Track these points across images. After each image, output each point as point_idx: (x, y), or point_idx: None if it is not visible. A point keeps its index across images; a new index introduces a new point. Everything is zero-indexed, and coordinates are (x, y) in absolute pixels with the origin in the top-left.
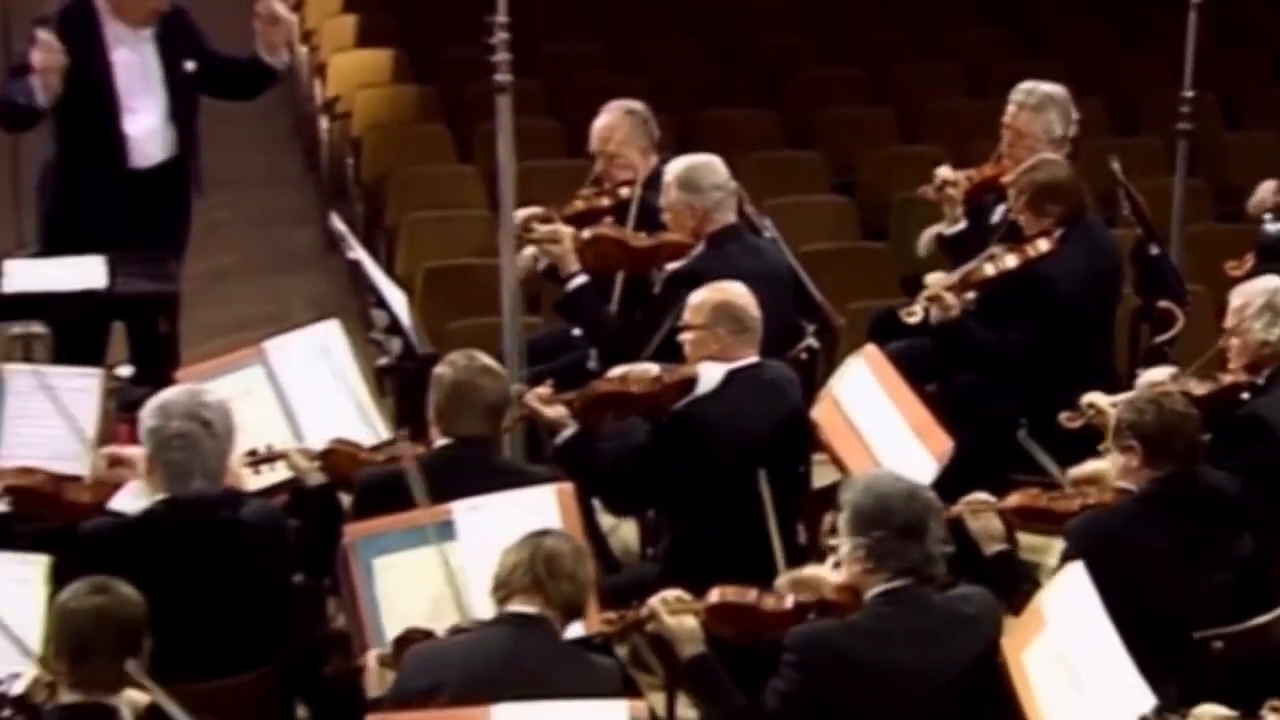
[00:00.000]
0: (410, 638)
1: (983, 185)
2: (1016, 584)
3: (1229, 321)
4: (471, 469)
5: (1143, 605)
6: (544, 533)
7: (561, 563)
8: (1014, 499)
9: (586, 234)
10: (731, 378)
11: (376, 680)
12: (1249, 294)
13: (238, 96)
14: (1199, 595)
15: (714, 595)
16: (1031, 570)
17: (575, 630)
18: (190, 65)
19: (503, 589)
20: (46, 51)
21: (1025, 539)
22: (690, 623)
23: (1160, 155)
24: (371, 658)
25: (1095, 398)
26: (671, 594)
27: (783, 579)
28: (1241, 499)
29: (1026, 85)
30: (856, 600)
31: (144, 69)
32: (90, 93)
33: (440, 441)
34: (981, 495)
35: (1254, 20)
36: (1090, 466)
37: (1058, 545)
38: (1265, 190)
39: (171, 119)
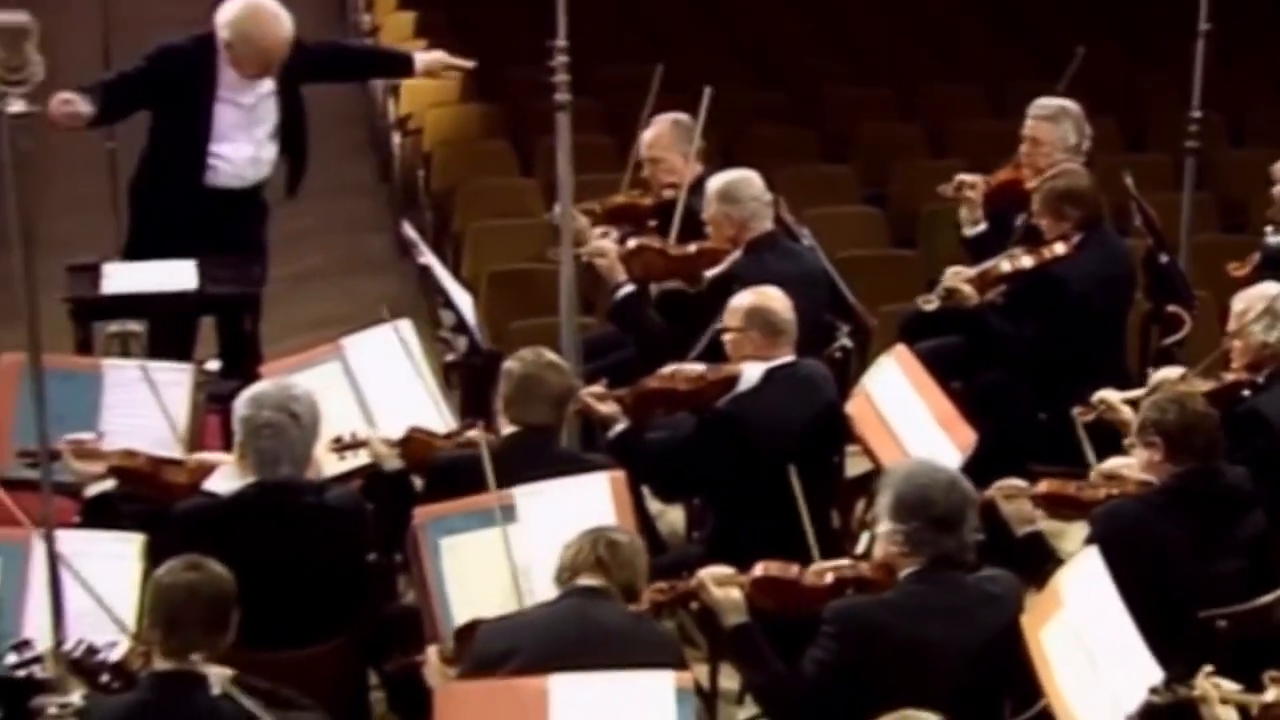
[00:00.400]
0: (469, 629)
1: (1000, 188)
2: (1044, 563)
3: (1231, 325)
4: (535, 455)
5: (1158, 589)
6: (604, 527)
7: (621, 550)
8: (1044, 486)
9: (630, 245)
10: (770, 376)
11: (437, 673)
12: (1250, 300)
13: (364, 79)
14: (1211, 582)
15: (758, 570)
16: (1054, 552)
17: None
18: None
19: (568, 570)
20: (62, 110)
21: (1044, 524)
22: (735, 594)
23: (1169, 171)
24: (432, 652)
25: (1107, 394)
26: (718, 569)
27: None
28: (1257, 494)
29: (1044, 100)
30: (891, 578)
31: (252, 108)
32: (191, 125)
33: (508, 429)
34: (1014, 480)
35: (1257, 44)
36: (1116, 462)
37: (1074, 529)
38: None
39: (271, 144)
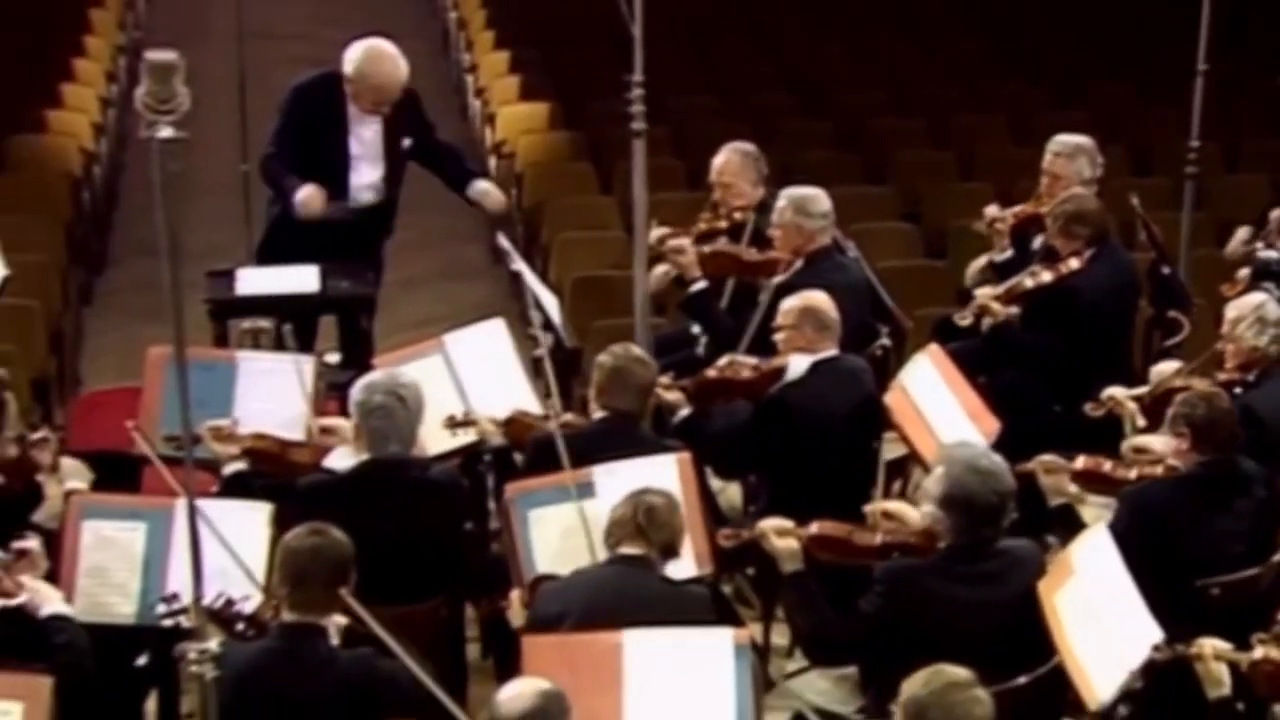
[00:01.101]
0: (541, 580)
1: (1025, 220)
2: (1073, 530)
3: (1225, 329)
4: (621, 438)
5: (1176, 563)
6: (644, 491)
7: (658, 514)
8: (1081, 462)
9: (707, 249)
10: (815, 368)
11: (518, 614)
12: (1241, 308)
13: (438, 177)
14: (1222, 558)
15: (814, 527)
16: (1078, 519)
17: (681, 568)
18: (407, 142)
19: (612, 536)
20: (309, 204)
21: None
22: (793, 544)
23: (1171, 194)
24: (515, 596)
25: (1114, 391)
26: (779, 521)
27: (873, 506)
28: (1265, 481)
29: (1061, 137)
30: (932, 543)
31: (370, 140)
32: (326, 151)
33: (598, 414)
34: (1052, 456)
35: (1249, 84)
36: (1143, 439)
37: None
38: (1237, 240)
39: (384, 179)
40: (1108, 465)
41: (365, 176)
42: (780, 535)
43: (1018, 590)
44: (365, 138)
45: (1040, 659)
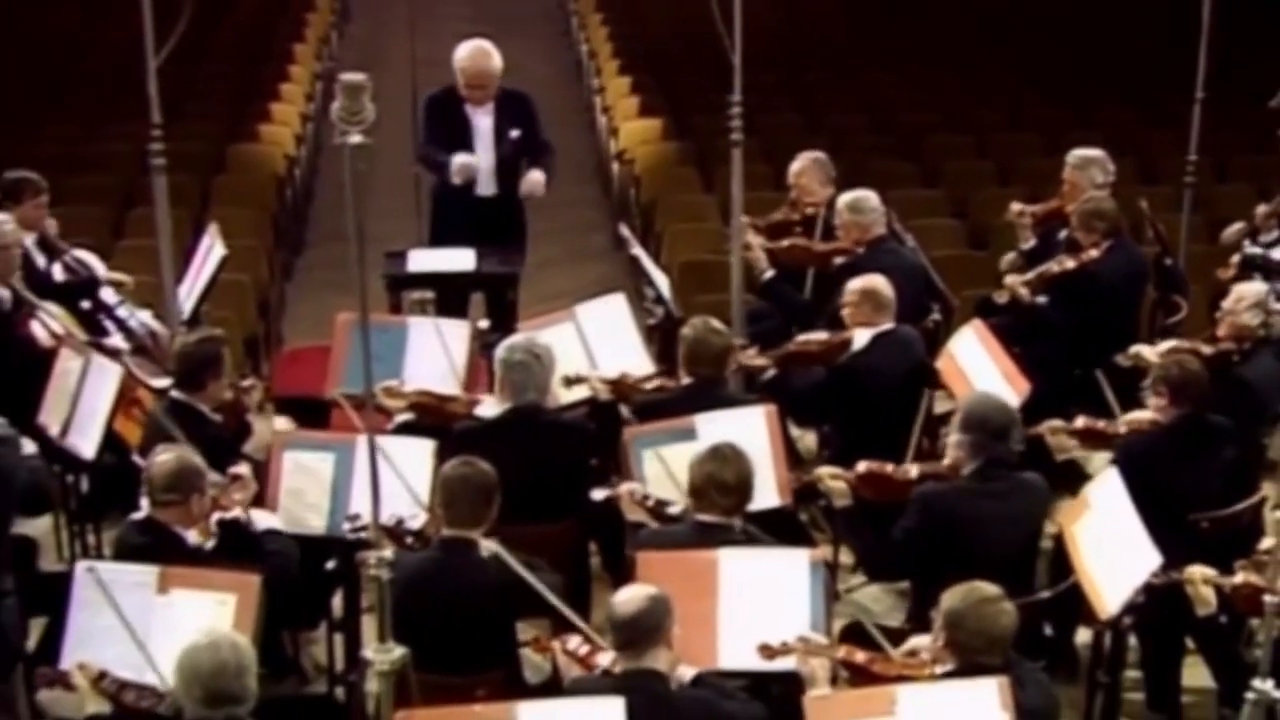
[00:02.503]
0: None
1: (1047, 216)
2: (1077, 481)
3: (1226, 305)
4: (705, 397)
5: (1162, 499)
6: (716, 451)
7: (725, 477)
8: (1080, 423)
9: (785, 243)
10: (876, 339)
11: (629, 505)
12: (1243, 292)
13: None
14: (1201, 494)
15: (861, 466)
16: (1082, 470)
17: (766, 500)
18: (515, 133)
19: (691, 497)
20: (465, 172)
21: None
22: (842, 485)
23: (1172, 200)
24: (625, 489)
25: (1140, 348)
26: (831, 468)
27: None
28: (1233, 431)
29: (1078, 151)
30: (958, 474)
31: (485, 130)
32: (454, 141)
33: (686, 380)
34: (1057, 421)
35: (1239, 109)
36: (1134, 415)
37: (1096, 457)
38: (1231, 230)
39: (497, 164)
40: (1101, 424)
41: (484, 163)
42: (833, 478)
43: (1030, 506)
44: (481, 128)
45: (1060, 578)
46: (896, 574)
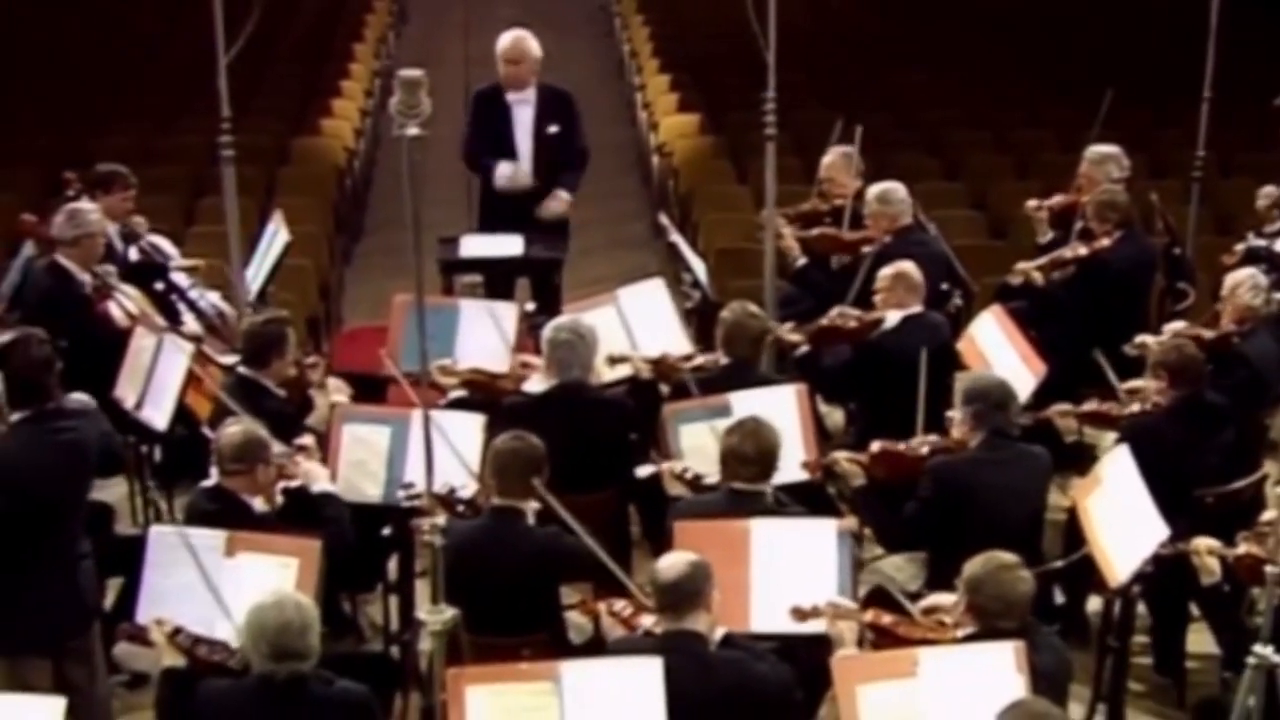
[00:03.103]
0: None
1: (1064, 209)
2: (1084, 459)
3: (1224, 293)
4: (741, 377)
5: (1165, 475)
6: (742, 424)
7: (745, 450)
8: (1087, 406)
9: (815, 232)
10: (905, 321)
11: (670, 481)
12: (1240, 277)
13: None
14: (1201, 470)
15: (874, 446)
16: (1091, 450)
17: (792, 476)
18: (554, 128)
19: (724, 466)
20: (513, 180)
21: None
22: (855, 468)
23: (1181, 193)
24: (666, 467)
25: (1145, 338)
26: (846, 452)
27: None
28: (1231, 409)
29: (1095, 147)
30: (964, 447)
31: (525, 123)
32: (498, 132)
33: (723, 360)
34: (1064, 405)
35: (1244, 109)
36: (1137, 383)
37: (1107, 438)
38: (1265, 194)
39: (534, 156)
40: (1106, 407)
41: (524, 154)
42: (848, 460)
43: (1032, 475)
44: (522, 120)
45: (1073, 548)
46: (911, 546)
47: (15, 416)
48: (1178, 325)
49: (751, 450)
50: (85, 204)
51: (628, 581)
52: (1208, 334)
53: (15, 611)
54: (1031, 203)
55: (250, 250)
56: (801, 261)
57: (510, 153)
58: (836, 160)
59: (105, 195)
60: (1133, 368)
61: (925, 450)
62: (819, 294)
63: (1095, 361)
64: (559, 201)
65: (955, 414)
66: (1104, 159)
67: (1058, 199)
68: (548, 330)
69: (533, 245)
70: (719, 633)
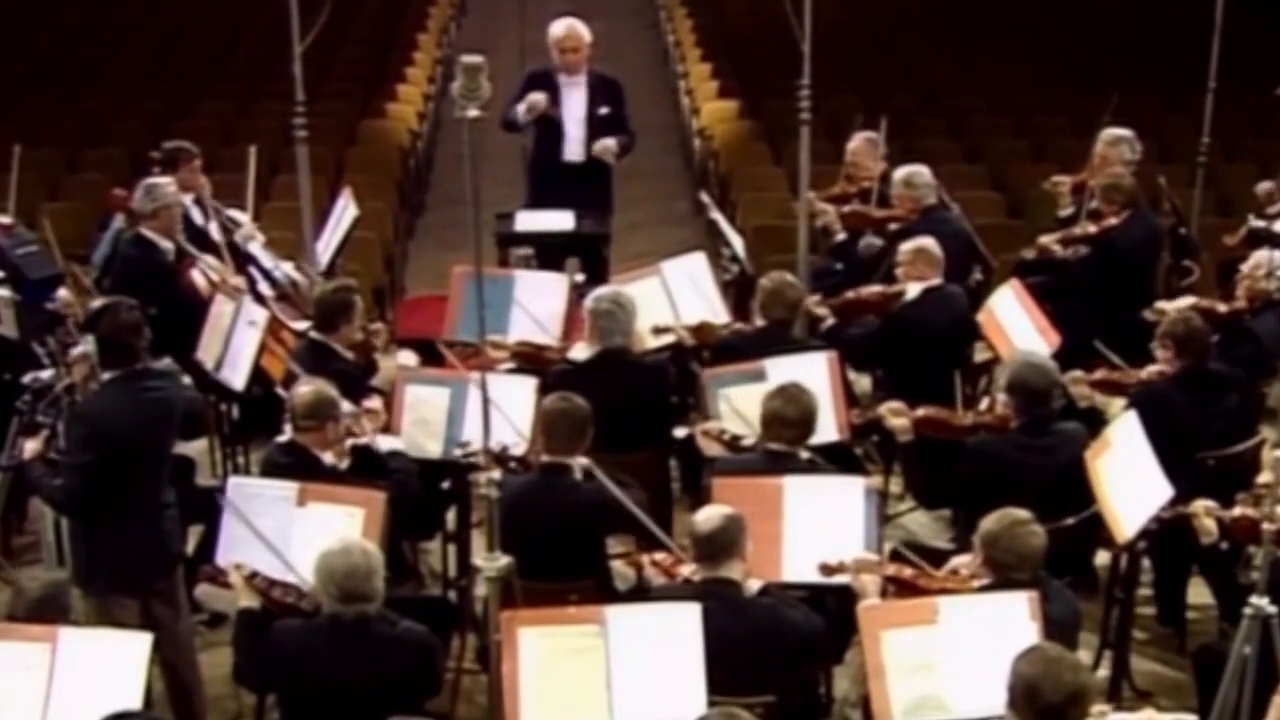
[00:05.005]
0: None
1: (1078, 185)
2: (1095, 423)
3: (1245, 269)
4: (776, 341)
5: (1172, 440)
6: (785, 389)
7: (788, 414)
8: (1098, 375)
9: (847, 209)
10: (926, 293)
11: (706, 442)
12: (1260, 260)
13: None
14: (1207, 435)
15: (921, 411)
16: (1102, 415)
17: (825, 436)
18: (604, 110)
19: (764, 426)
20: (534, 106)
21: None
22: (905, 423)
23: (1187, 176)
24: (702, 428)
25: (1163, 303)
26: (896, 404)
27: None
28: (1235, 378)
29: (1110, 130)
30: (1006, 424)
31: (576, 104)
32: (550, 119)
33: (760, 323)
34: (1078, 373)
35: (1246, 98)
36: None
37: (1116, 403)
38: (1262, 191)
39: (586, 136)
40: (1117, 375)
41: (573, 133)
42: (895, 415)
43: (1071, 457)
44: (572, 100)
45: (1083, 505)
46: (945, 506)
47: (106, 376)
48: (1181, 302)
49: (794, 414)
50: (160, 178)
51: (666, 539)
52: (1222, 308)
53: (106, 555)
54: (1056, 178)
55: (321, 225)
56: (841, 236)
57: (559, 132)
58: (861, 145)
59: (174, 171)
60: (1148, 332)
61: (969, 421)
62: (857, 266)
63: (1106, 334)
64: (607, 147)
65: (1000, 397)
66: (1118, 140)
67: (1075, 176)
68: (589, 301)
69: (583, 220)
70: (756, 584)
